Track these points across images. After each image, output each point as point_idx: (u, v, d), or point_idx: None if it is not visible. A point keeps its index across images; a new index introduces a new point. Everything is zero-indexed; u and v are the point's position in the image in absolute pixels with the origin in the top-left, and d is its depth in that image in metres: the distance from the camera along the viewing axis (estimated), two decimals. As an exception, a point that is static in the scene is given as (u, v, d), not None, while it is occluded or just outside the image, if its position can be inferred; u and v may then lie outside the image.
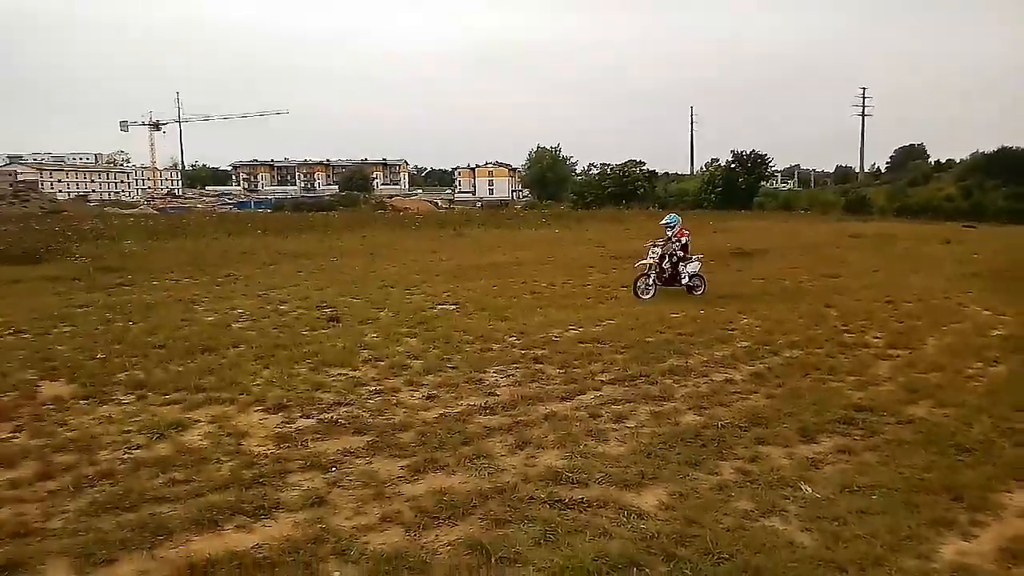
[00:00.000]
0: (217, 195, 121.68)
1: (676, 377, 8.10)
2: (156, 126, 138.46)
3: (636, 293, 13.98)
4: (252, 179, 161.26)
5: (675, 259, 14.33)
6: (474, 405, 7.14)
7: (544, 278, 16.10)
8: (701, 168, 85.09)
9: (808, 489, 5.22)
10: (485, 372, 8.32)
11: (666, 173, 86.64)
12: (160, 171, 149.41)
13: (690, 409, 7.00)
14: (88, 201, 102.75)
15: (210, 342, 9.62)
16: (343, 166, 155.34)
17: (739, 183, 58.69)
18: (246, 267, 18.59)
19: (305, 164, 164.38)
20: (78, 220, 40.84)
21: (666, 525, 4.64)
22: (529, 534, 4.53)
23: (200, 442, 6.20)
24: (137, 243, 24.44)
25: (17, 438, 6.31)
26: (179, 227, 33.82)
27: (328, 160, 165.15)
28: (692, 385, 7.84)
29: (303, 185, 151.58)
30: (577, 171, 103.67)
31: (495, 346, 9.57)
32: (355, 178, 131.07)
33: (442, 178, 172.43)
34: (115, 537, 4.54)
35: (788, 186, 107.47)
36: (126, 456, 5.89)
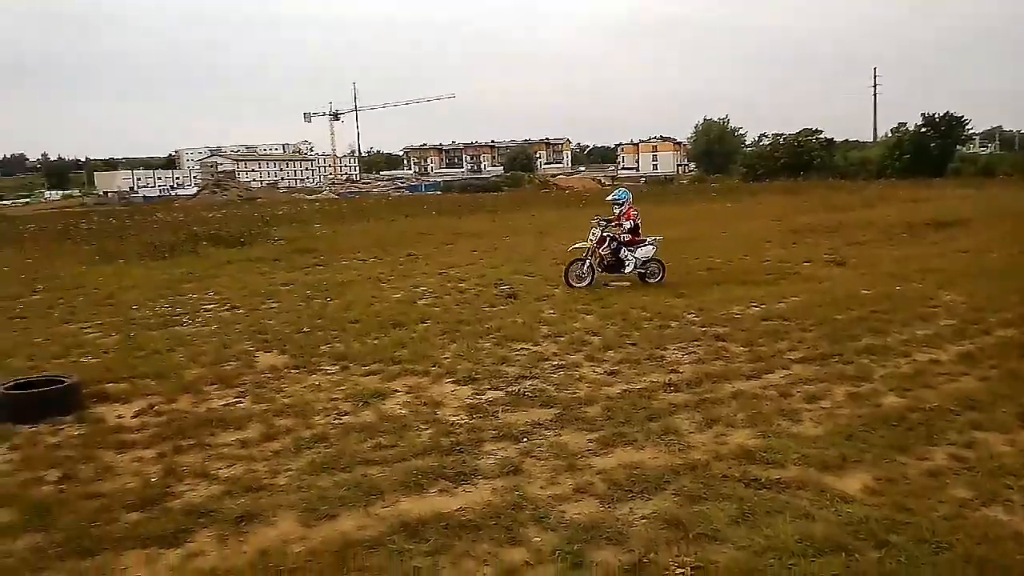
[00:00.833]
0: (390, 179, 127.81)
1: (873, 357, 7.64)
2: (336, 116, 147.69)
3: (568, 281, 12.41)
4: (422, 163, 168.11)
5: (616, 244, 12.58)
6: (657, 382, 7.12)
7: (719, 253, 15.65)
8: (885, 134, 78.98)
9: (1036, 480, 4.78)
10: (665, 349, 8.26)
11: (845, 141, 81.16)
12: (339, 158, 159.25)
13: (891, 391, 6.59)
14: (278, 188, 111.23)
15: (400, 317, 10.20)
16: (507, 147, 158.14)
17: (930, 148, 53.93)
18: (424, 247, 19.45)
19: (471, 146, 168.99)
20: (271, 206, 44.46)
21: (875, 510, 4.42)
22: (725, 512, 4.48)
23: (399, 410, 6.62)
24: (325, 226, 26.24)
25: (242, 403, 7.03)
26: (361, 210, 35.93)
27: (493, 141, 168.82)
28: (892, 366, 7.37)
29: (469, 167, 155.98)
30: (746, 143, 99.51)
31: (673, 323, 9.46)
32: (519, 158, 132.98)
33: (605, 155, 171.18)
34: (334, 495, 4.96)
35: (988, 150, 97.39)
36: (336, 421, 6.41)
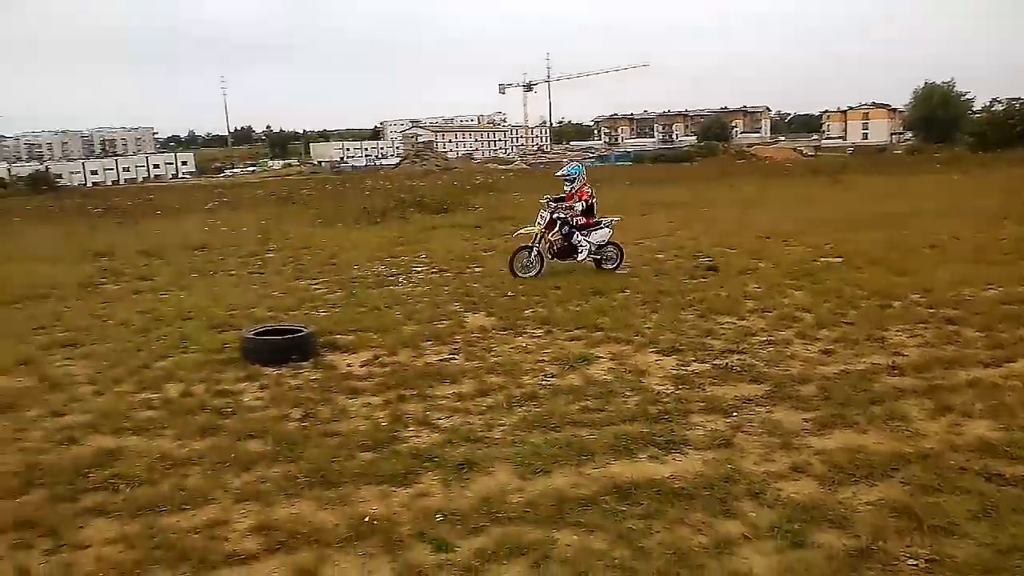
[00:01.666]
0: (580, 150, 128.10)
1: None
2: (529, 87, 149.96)
3: (513, 270, 11.26)
4: (612, 133, 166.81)
5: (567, 228, 11.43)
6: (878, 364, 6.69)
7: (945, 230, 14.28)
8: None
9: None
10: (887, 330, 7.72)
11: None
12: (531, 129, 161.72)
13: None
14: (472, 159, 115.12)
15: (600, 285, 10.28)
16: (701, 116, 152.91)
17: None
18: (618, 217, 19.37)
19: (664, 116, 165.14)
20: (467, 175, 46.10)
21: None
22: (964, 506, 4.16)
23: (604, 376, 6.71)
24: (522, 195, 26.84)
25: (456, 359, 7.44)
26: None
27: (686, 110, 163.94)
28: None
29: (661, 137, 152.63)
30: (974, 109, 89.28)
31: (895, 303, 8.81)
32: (713, 127, 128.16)
33: (807, 123, 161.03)
34: (546, 452, 5.16)
35: None
36: (544, 382, 6.62)
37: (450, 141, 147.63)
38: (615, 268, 11.57)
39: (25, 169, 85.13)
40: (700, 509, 4.32)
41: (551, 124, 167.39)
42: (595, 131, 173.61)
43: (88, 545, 4.16)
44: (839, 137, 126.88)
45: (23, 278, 13.01)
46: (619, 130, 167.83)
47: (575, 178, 11.66)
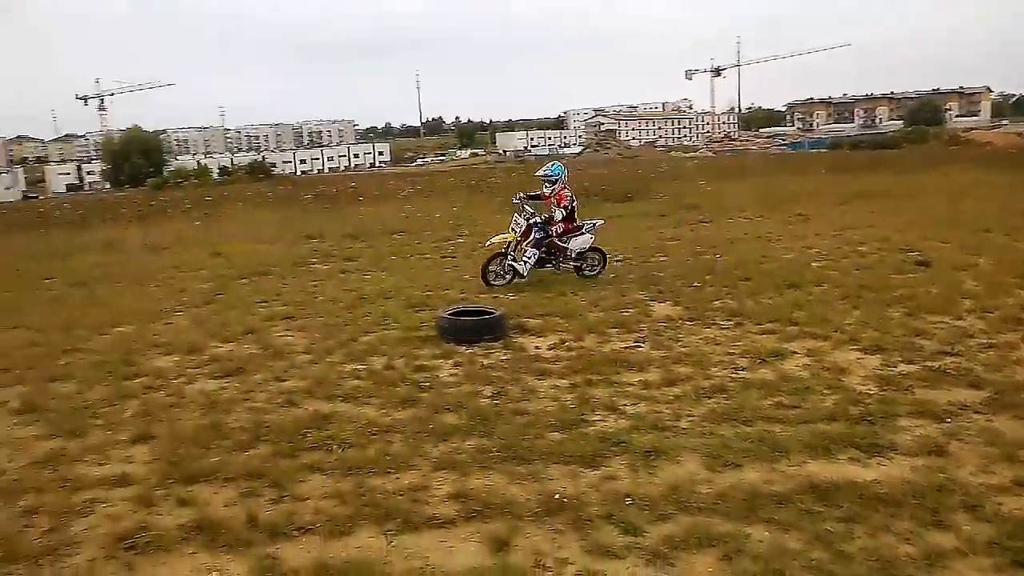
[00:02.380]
0: (770, 136, 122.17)
1: None
2: (717, 72, 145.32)
3: (485, 279, 10.37)
4: (807, 118, 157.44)
5: (544, 235, 10.45)
6: None
7: None
8: None
9: None
10: None
11: None
12: (718, 115, 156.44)
13: None
14: (655, 146, 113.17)
15: (794, 278, 9.82)
16: (909, 98, 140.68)
17: None
18: (814, 206, 18.33)
19: (866, 99, 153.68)
20: (651, 163, 45.47)
21: None
22: None
23: (799, 372, 6.43)
24: (708, 183, 26.11)
25: (642, 347, 7.42)
26: (742, 168, 35.04)
27: (892, 93, 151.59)
28: None
29: (862, 122, 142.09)
30: None
31: None
32: (923, 111, 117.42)
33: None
34: (737, 445, 5.04)
35: None
36: (734, 375, 6.46)
37: (632, 129, 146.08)
38: (597, 275, 10.73)
39: (245, 159, 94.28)
40: (908, 518, 4.06)
41: (739, 110, 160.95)
42: (787, 116, 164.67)
43: (307, 498, 4.61)
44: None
45: (248, 257, 14.50)
46: (814, 115, 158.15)
47: (556, 179, 10.61)
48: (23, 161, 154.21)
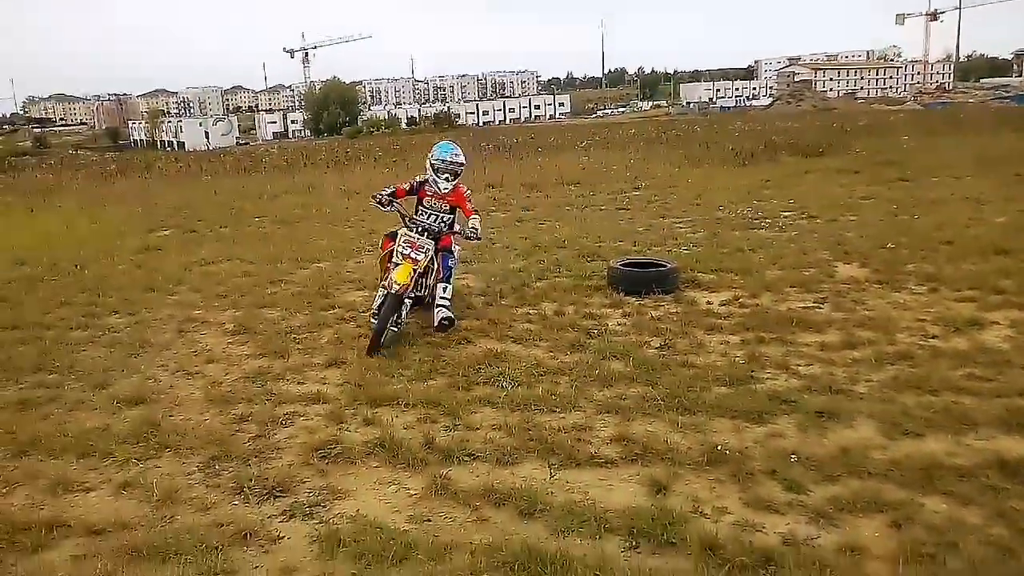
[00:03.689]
0: (992, 87, 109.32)
1: None
2: (934, 16, 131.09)
3: (377, 345, 6.32)
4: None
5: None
6: None
7: None
8: None
9: None
10: None
11: None
12: (931, 64, 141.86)
13: None
14: (855, 98, 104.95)
15: (1004, 243, 8.93)
16: None
17: None
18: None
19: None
20: (849, 116, 42.28)
21: None
22: None
23: (1000, 344, 5.93)
24: (913, 139, 23.99)
25: (821, 308, 7.11)
26: (955, 123, 31.82)
27: None
28: None
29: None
30: None
31: None
32: None
33: None
34: (919, 415, 4.77)
35: None
36: (923, 343, 6.06)
37: (830, 80, 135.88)
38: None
39: (432, 109, 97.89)
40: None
41: (957, 58, 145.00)
42: (1015, 66, 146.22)
43: (478, 427, 4.92)
44: None
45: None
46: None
47: (451, 161, 7.03)
48: (237, 110, 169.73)
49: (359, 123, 64.98)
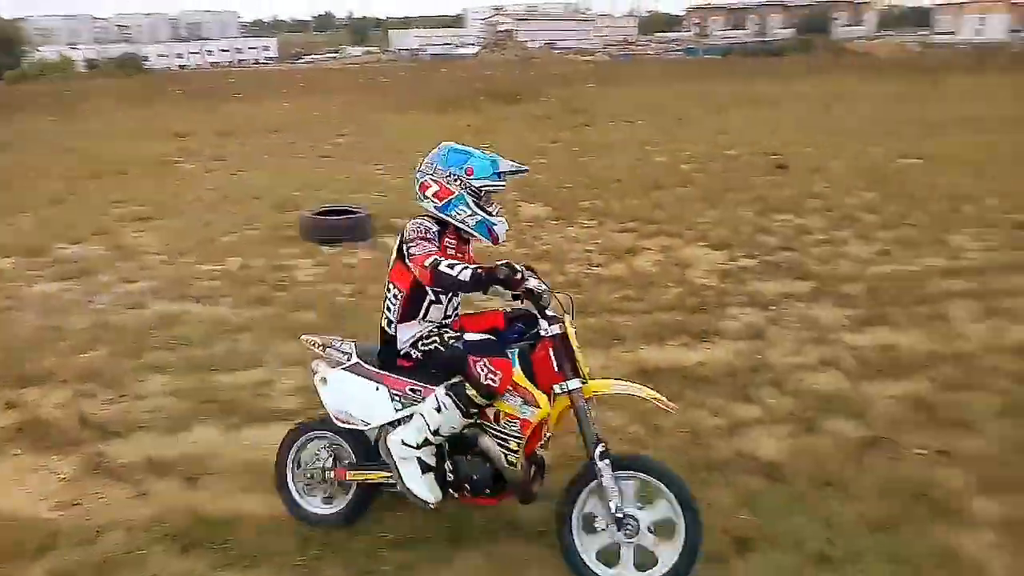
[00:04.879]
0: (667, 41, 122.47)
1: None
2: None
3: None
4: (703, 24, 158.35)
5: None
6: (934, 266, 6.52)
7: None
8: None
9: None
10: (951, 233, 7.44)
11: None
12: (616, 18, 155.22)
13: None
14: (553, 49, 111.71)
15: (662, 180, 10.14)
16: (801, 7, 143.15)
17: None
18: (695, 111, 18.77)
19: (763, 7, 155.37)
20: (546, 66, 44.94)
21: None
22: (986, 404, 4.14)
23: (650, 268, 6.75)
24: (597, 88, 26.17)
25: (506, 245, 7.56)
26: (636, 74, 35.21)
27: (785, 1, 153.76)
28: None
29: (756, 30, 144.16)
30: None
31: (967, 206, 8.42)
32: (814, 20, 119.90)
33: (921, 18, 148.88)
34: (582, 337, 5.25)
35: None
36: (588, 271, 6.71)
37: (531, 30, 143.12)
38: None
39: (115, 50, 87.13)
40: (720, 395, 4.42)
41: (640, 14, 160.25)
42: (685, 22, 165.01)
43: (146, 397, 4.56)
44: (950, 32, 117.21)
45: (106, 155, 13.65)
46: (710, 21, 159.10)
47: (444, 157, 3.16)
48: None
49: (24, 66, 55.91)
